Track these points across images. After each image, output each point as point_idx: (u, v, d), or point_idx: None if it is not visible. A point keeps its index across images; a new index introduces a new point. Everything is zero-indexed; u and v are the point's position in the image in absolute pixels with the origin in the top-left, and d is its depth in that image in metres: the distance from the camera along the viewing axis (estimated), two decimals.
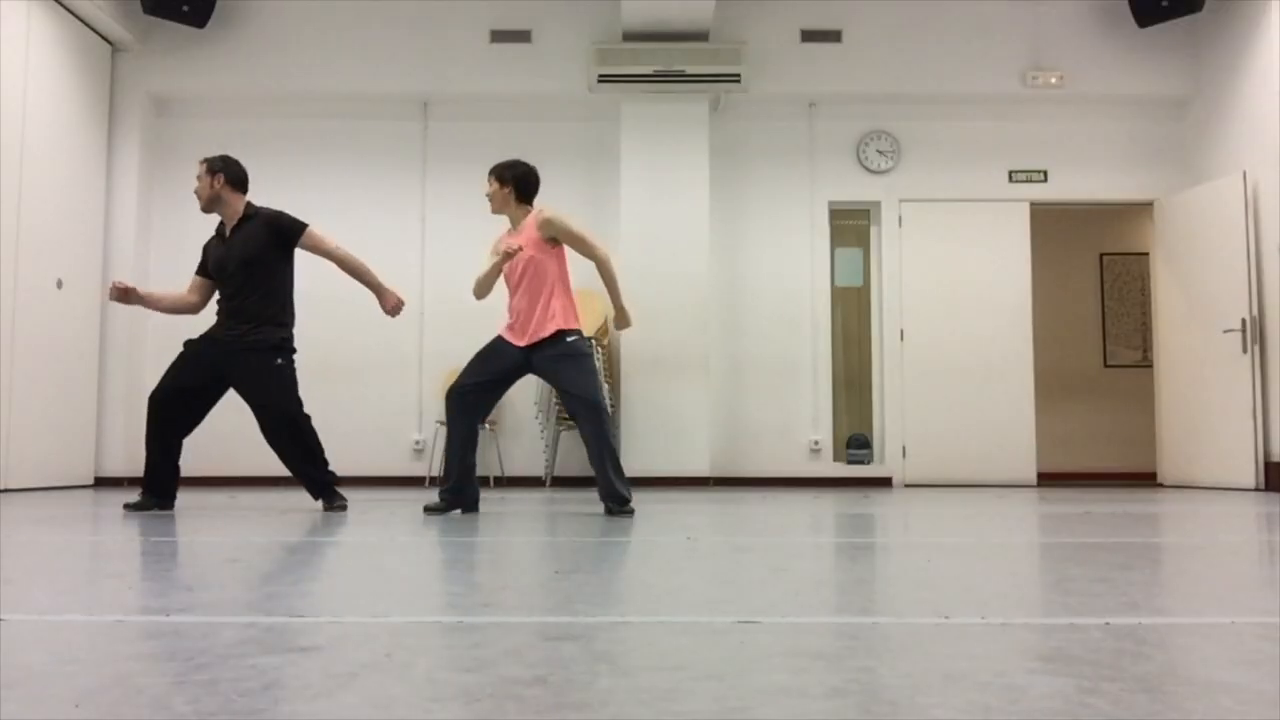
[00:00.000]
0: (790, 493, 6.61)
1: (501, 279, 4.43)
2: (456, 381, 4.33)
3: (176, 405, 4.43)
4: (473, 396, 4.31)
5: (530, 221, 4.35)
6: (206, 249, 4.63)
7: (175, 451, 4.49)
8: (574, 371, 4.27)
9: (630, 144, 7.70)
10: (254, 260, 4.45)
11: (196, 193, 4.55)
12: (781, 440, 7.86)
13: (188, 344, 4.52)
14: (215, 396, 4.52)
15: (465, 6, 7.93)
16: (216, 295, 4.61)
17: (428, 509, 4.27)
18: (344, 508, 4.52)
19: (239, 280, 4.47)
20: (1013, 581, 2.12)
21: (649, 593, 1.94)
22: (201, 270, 4.64)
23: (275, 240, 4.48)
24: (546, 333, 4.28)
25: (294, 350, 4.54)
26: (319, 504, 4.75)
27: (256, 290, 4.46)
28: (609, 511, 4.28)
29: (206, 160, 4.56)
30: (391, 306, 4.62)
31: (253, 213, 4.54)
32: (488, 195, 4.45)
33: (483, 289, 4.41)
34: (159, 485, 4.46)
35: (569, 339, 4.29)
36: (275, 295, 4.50)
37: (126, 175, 7.75)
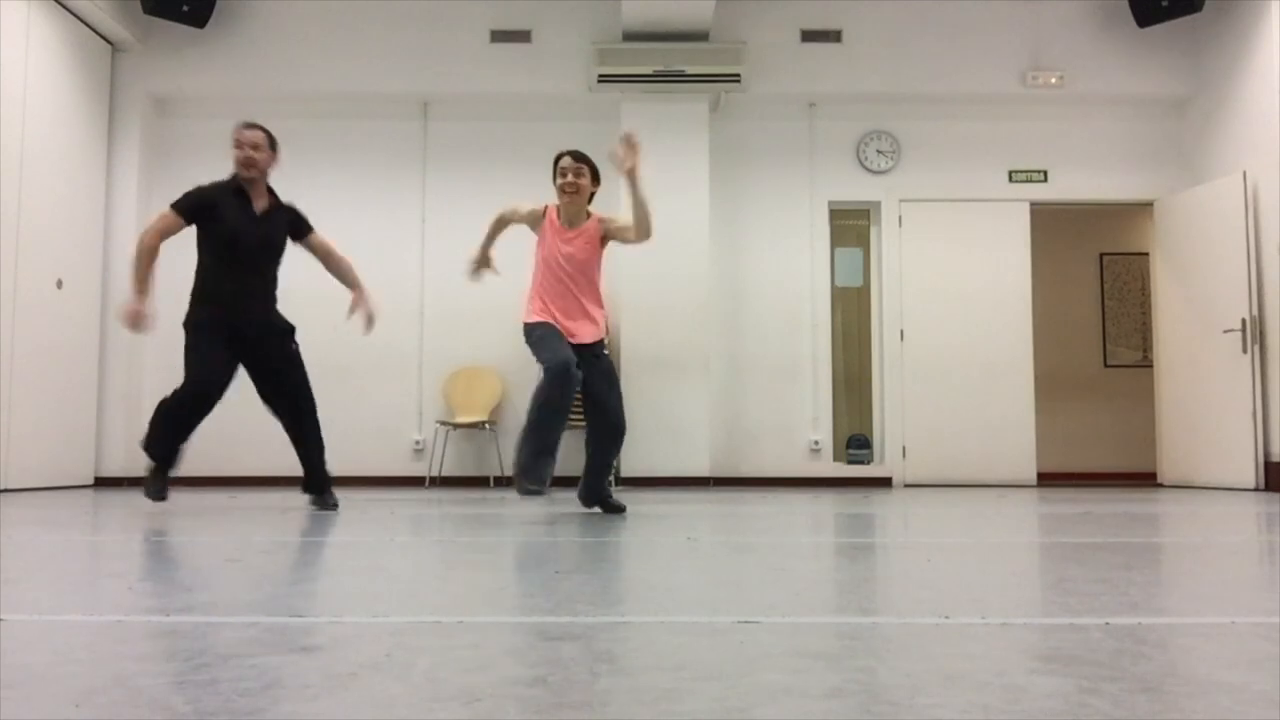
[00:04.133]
0: (790, 493, 6.61)
1: (546, 266, 4.27)
2: (561, 358, 4.02)
3: (215, 397, 4.35)
4: (572, 376, 4.06)
5: (592, 226, 4.31)
6: (215, 202, 4.36)
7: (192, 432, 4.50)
8: (608, 389, 4.24)
9: None
10: (279, 247, 4.52)
11: (255, 162, 4.36)
12: (781, 440, 7.86)
13: (202, 328, 4.34)
14: (233, 377, 4.51)
15: (465, 6, 7.93)
16: (218, 267, 4.38)
17: (528, 491, 4.04)
18: (335, 507, 4.57)
19: (260, 262, 4.45)
20: (1013, 581, 2.12)
21: (649, 593, 1.94)
22: (194, 217, 4.35)
23: (293, 232, 4.59)
24: (592, 339, 4.26)
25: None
26: (309, 499, 4.74)
27: (272, 275, 4.54)
28: (606, 510, 4.39)
29: (265, 130, 4.44)
30: (365, 311, 4.64)
31: (278, 201, 4.54)
32: (575, 184, 4.24)
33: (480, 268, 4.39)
34: (177, 462, 4.48)
35: (604, 351, 4.31)
36: (276, 282, 4.61)
37: (126, 175, 7.75)
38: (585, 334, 4.24)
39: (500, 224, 4.40)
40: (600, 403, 4.23)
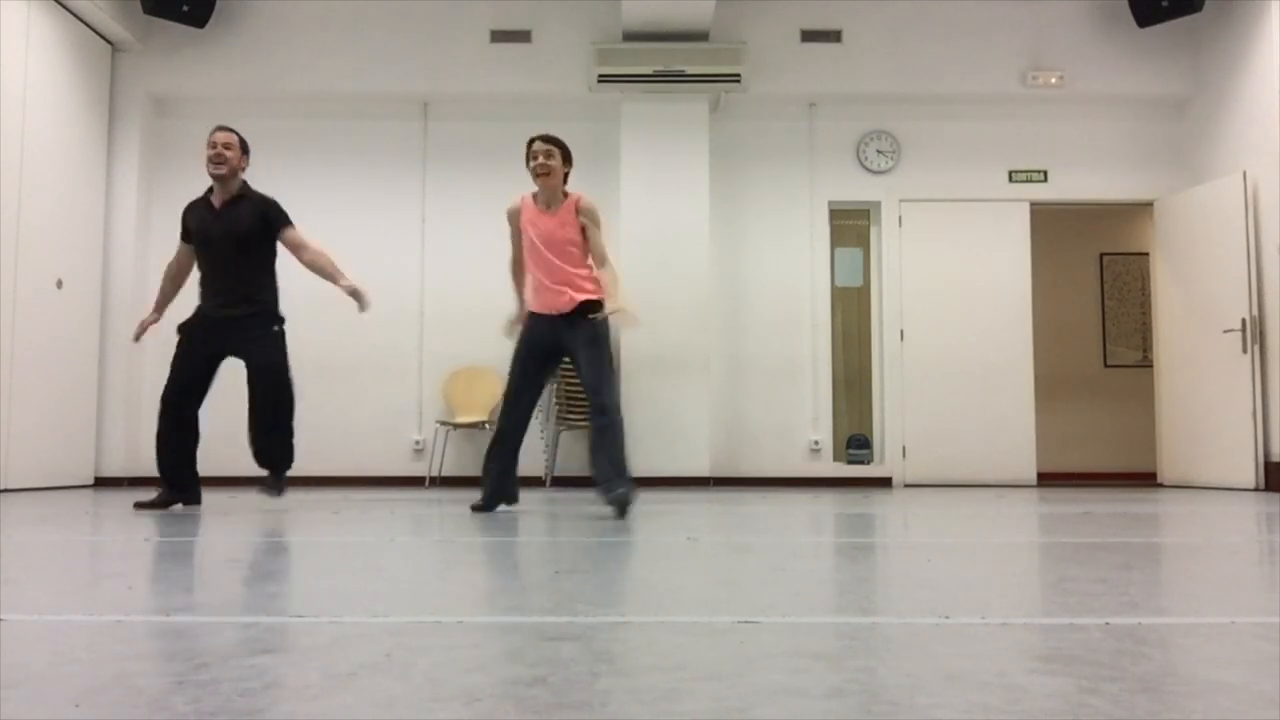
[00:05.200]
0: (790, 493, 6.61)
1: (531, 248, 4.44)
2: (501, 426, 4.43)
3: (188, 396, 4.57)
4: (528, 398, 4.44)
5: (570, 205, 4.41)
6: (187, 216, 4.68)
7: (192, 443, 4.59)
8: (588, 365, 4.32)
9: (630, 144, 7.69)
10: (244, 239, 4.58)
11: (225, 160, 4.56)
12: (781, 440, 7.86)
13: (182, 330, 4.62)
14: (215, 371, 4.66)
15: (465, 6, 7.93)
16: (200, 267, 4.67)
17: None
18: (279, 494, 4.71)
19: (228, 255, 4.58)
20: (1013, 581, 2.12)
21: (649, 593, 1.94)
22: (185, 237, 4.71)
23: (263, 225, 4.64)
24: (569, 308, 4.35)
25: (283, 320, 4.76)
26: (261, 488, 4.81)
27: (247, 267, 4.60)
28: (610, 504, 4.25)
29: (237, 133, 4.65)
30: (355, 292, 4.65)
31: (247, 193, 4.67)
32: (546, 166, 4.36)
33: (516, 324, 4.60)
34: (179, 479, 4.56)
35: (591, 315, 4.34)
36: (264, 271, 4.67)
37: (126, 175, 7.75)
38: (563, 303, 4.36)
39: (518, 265, 4.58)
40: (580, 371, 4.36)
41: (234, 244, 4.57)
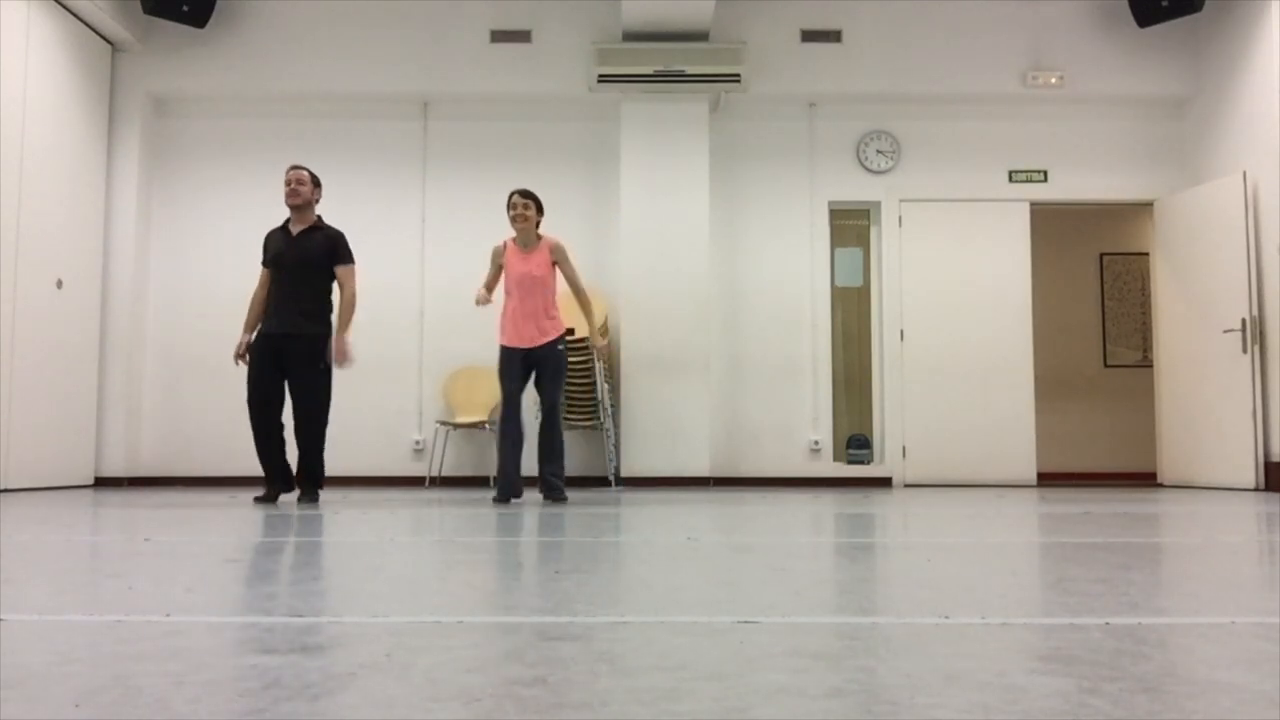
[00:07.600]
0: (790, 493, 6.61)
1: (502, 286, 5.42)
2: (504, 399, 5.33)
3: (267, 408, 5.14)
4: (515, 407, 5.35)
5: (544, 245, 5.35)
6: (268, 242, 5.32)
7: (279, 443, 5.18)
8: (550, 377, 5.29)
9: (630, 144, 7.69)
10: (313, 263, 5.22)
11: (299, 193, 5.22)
12: (781, 440, 7.86)
13: (250, 351, 5.20)
14: (285, 382, 5.23)
15: (465, 6, 7.93)
16: (272, 285, 5.25)
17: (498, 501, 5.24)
18: (315, 503, 5.18)
19: (297, 276, 5.19)
20: (1013, 581, 2.12)
21: (649, 593, 1.94)
22: (266, 262, 5.33)
23: (330, 255, 5.28)
24: (549, 337, 5.30)
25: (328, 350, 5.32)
26: (295, 497, 5.50)
27: (311, 290, 5.21)
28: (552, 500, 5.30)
29: (308, 170, 5.28)
30: (342, 355, 5.27)
31: (321, 226, 5.31)
32: (524, 215, 5.26)
33: (483, 301, 5.23)
34: (277, 472, 5.20)
35: (559, 346, 5.32)
36: (324, 295, 5.28)
37: (126, 175, 7.75)
38: (540, 339, 5.29)
39: (491, 284, 5.37)
40: (541, 386, 5.31)
41: (304, 267, 5.19)
